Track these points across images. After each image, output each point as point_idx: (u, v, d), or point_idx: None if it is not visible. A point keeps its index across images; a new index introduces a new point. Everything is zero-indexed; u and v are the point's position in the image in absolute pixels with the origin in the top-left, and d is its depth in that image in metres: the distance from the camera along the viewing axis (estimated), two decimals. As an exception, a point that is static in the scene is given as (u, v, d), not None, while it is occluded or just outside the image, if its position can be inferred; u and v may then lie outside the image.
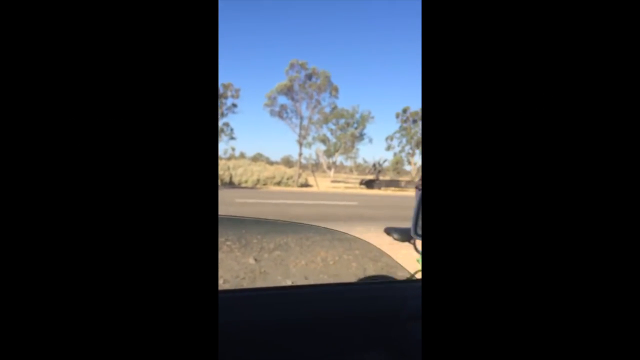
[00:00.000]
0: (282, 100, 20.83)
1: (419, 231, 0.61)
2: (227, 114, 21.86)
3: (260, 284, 1.87)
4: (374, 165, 27.60)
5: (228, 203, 8.06)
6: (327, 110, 22.09)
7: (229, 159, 21.88)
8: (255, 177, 17.34)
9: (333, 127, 25.59)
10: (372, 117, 26.32)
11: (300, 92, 20.38)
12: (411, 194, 18.42)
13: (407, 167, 29.90)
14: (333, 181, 24.63)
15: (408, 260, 3.82)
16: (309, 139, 22.68)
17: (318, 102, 20.90)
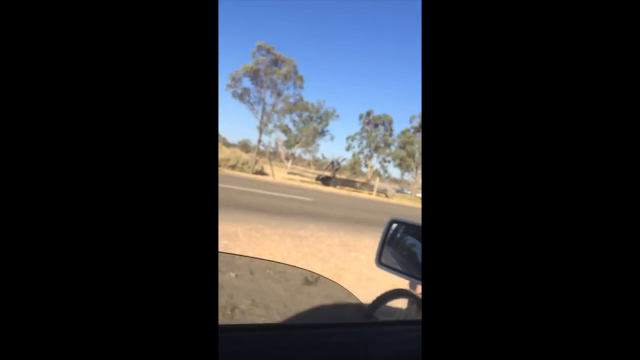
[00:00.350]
0: (246, 83, 20.15)
1: (384, 261, 0.60)
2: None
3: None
4: (332, 162, 27.93)
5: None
6: (292, 100, 21.79)
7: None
8: (209, 158, 16.53)
9: (296, 118, 25.37)
10: (337, 115, 26.54)
11: (265, 79, 19.83)
12: (365, 196, 18.94)
13: (364, 169, 30.67)
14: (289, 172, 24.49)
15: (356, 262, 3.81)
16: (270, 126, 22.22)
17: (282, 91, 20.51)
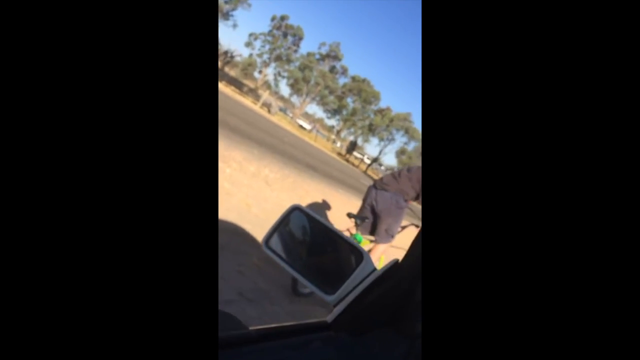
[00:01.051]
0: None
1: (272, 245, 0.56)
2: None
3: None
4: (227, 52, 25.05)
5: None
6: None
7: None
8: None
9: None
10: (249, 4, 23.27)
11: None
12: (249, 104, 18.09)
13: (257, 75, 28.87)
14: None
15: (220, 174, 3.74)
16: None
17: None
